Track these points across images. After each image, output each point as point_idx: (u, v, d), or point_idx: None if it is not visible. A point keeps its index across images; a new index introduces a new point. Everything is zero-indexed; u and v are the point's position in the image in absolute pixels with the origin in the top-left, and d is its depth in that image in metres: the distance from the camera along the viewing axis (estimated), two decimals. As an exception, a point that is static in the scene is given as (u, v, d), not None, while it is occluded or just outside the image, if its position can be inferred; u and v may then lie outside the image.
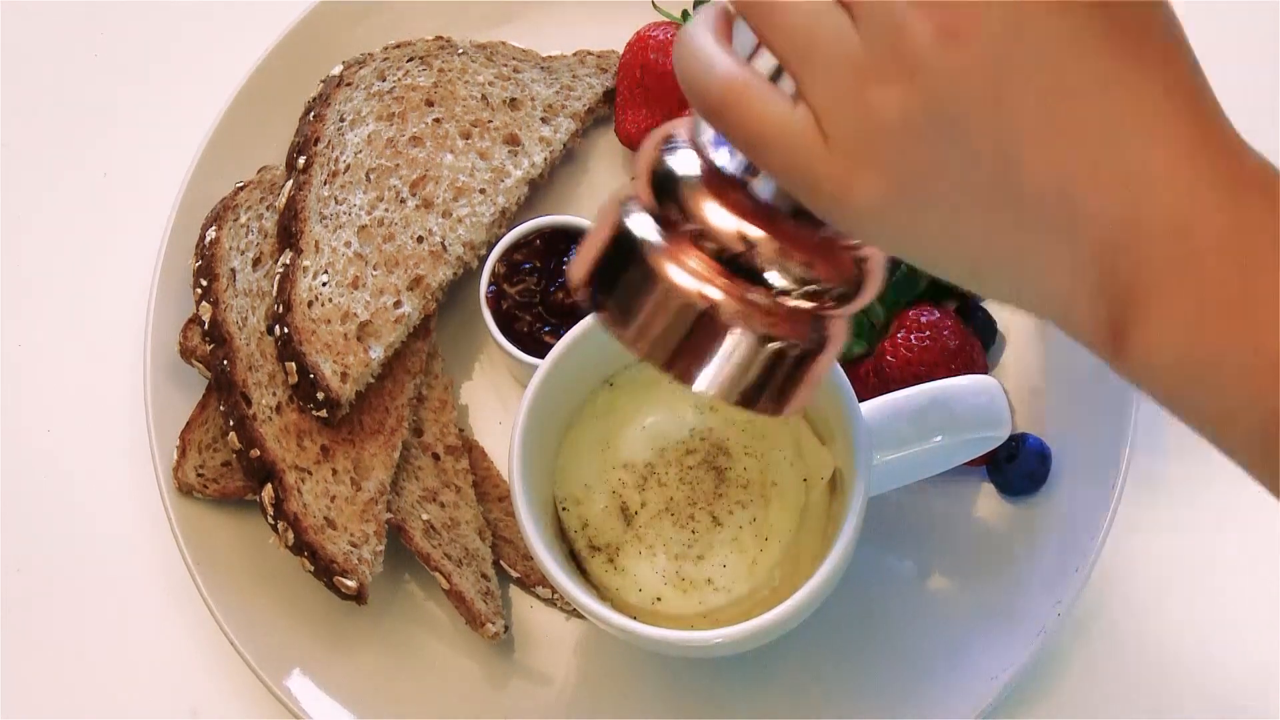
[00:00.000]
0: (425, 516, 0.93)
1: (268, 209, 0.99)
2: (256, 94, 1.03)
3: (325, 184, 0.97)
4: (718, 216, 0.58)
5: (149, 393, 0.96)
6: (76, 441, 1.01)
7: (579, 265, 0.63)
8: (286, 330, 0.92)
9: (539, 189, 1.03)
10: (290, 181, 0.97)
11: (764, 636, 0.80)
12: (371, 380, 0.94)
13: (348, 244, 0.96)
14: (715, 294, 0.59)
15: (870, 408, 0.82)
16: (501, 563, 0.93)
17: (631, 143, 1.02)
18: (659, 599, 0.83)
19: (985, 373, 0.93)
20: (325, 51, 1.04)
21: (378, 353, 0.94)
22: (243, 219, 0.98)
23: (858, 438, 0.80)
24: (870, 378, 0.91)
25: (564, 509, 0.86)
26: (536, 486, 0.84)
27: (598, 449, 0.87)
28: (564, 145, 1.03)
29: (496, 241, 0.97)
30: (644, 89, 1.01)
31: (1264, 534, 0.94)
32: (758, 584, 0.83)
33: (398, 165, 0.99)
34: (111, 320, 1.03)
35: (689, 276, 0.59)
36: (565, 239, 0.97)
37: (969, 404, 0.82)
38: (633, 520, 0.85)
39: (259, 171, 1.02)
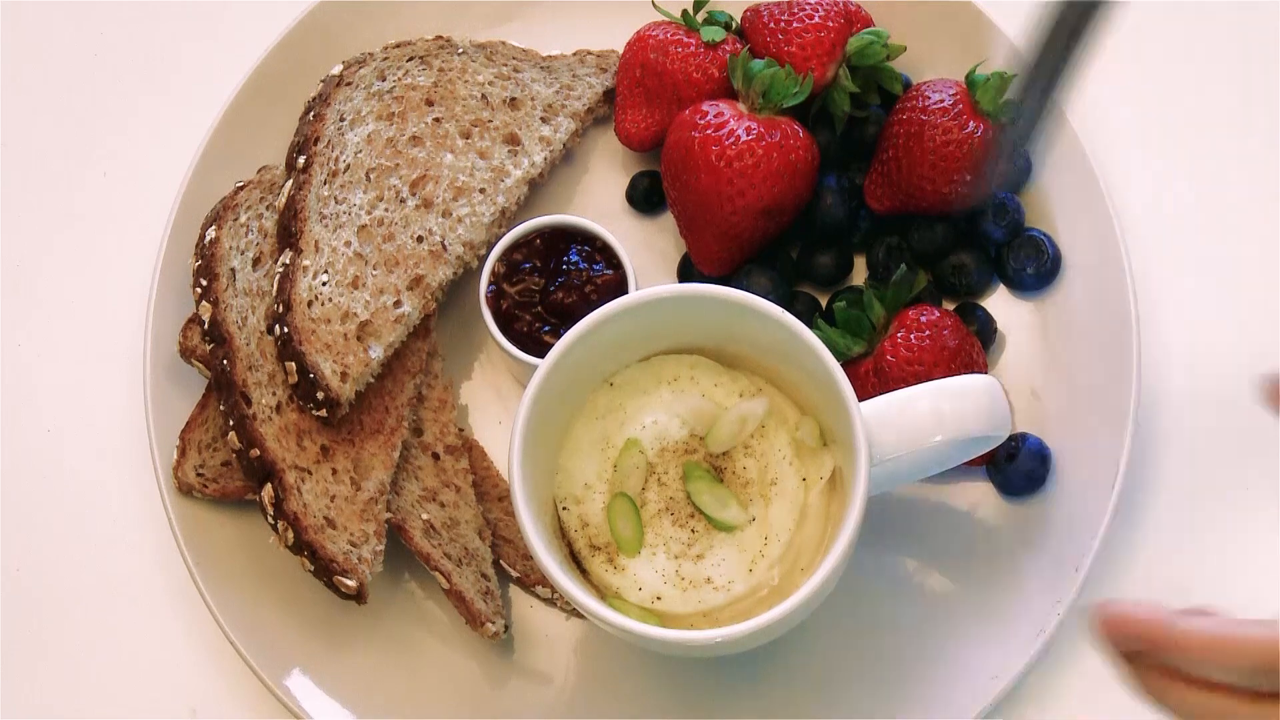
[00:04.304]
0: (425, 516, 0.93)
1: (268, 209, 0.99)
2: (256, 94, 1.03)
3: (325, 184, 0.97)
4: None
5: (149, 392, 0.96)
6: (76, 441, 1.01)
7: None
8: (286, 330, 0.92)
9: (539, 189, 1.03)
10: (290, 181, 0.97)
11: (764, 636, 0.80)
12: (371, 380, 0.94)
13: (348, 244, 0.96)
14: None
15: (870, 408, 0.82)
16: (501, 562, 0.93)
17: (631, 142, 1.02)
18: (659, 598, 0.83)
19: (985, 373, 0.93)
20: (325, 51, 1.04)
21: (377, 352, 0.94)
22: (243, 219, 0.98)
23: (857, 437, 0.80)
24: (870, 378, 0.91)
25: (564, 509, 0.86)
26: (536, 486, 0.84)
27: (598, 449, 0.87)
28: (564, 145, 1.03)
29: (496, 241, 0.97)
30: (644, 88, 1.01)
31: (1262, 534, 0.94)
32: (757, 583, 0.83)
33: (398, 165, 0.99)
34: (111, 320, 1.03)
35: None
36: (565, 239, 0.97)
37: (969, 404, 0.82)
38: (633, 520, 0.85)
39: (259, 171, 1.02)
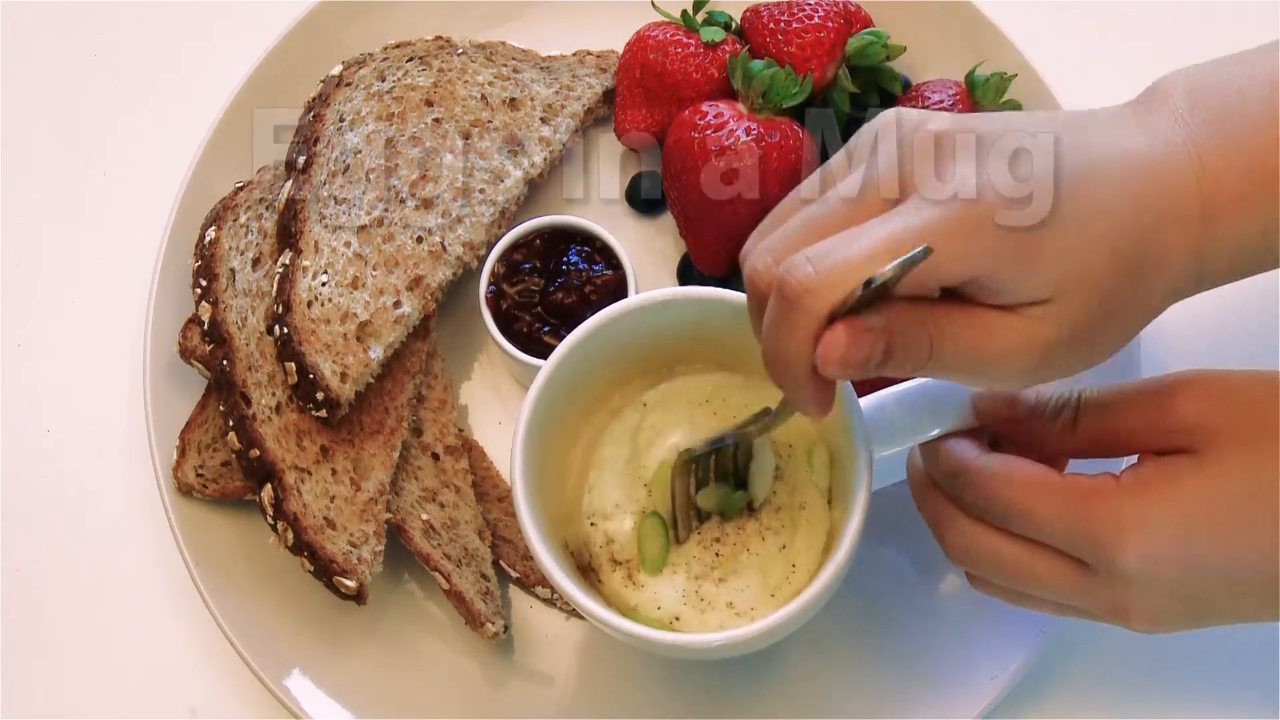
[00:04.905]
0: (425, 516, 0.93)
1: (267, 209, 0.99)
2: (256, 94, 1.03)
3: (325, 184, 0.97)
4: None
5: (149, 393, 0.96)
6: (76, 441, 1.01)
7: None
8: (286, 330, 0.92)
9: (539, 189, 1.03)
10: (290, 181, 0.97)
11: (765, 640, 0.80)
12: (371, 380, 0.94)
13: (347, 244, 0.96)
14: None
15: (870, 403, 0.82)
16: (501, 563, 0.93)
17: (631, 142, 1.02)
18: (677, 618, 0.82)
19: (985, 372, 0.93)
20: (325, 51, 1.04)
21: (377, 353, 0.94)
22: (242, 219, 0.98)
23: (858, 437, 0.79)
24: (870, 378, 0.91)
25: (592, 524, 0.85)
26: (537, 487, 0.84)
27: (629, 469, 0.86)
28: (564, 145, 1.03)
29: (496, 241, 0.97)
30: (643, 89, 1.01)
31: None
32: (776, 609, 0.82)
33: (397, 165, 0.99)
34: (111, 320, 1.03)
35: None
36: (565, 239, 0.97)
37: (965, 398, 0.82)
38: (660, 539, 0.85)
39: (259, 171, 1.02)
